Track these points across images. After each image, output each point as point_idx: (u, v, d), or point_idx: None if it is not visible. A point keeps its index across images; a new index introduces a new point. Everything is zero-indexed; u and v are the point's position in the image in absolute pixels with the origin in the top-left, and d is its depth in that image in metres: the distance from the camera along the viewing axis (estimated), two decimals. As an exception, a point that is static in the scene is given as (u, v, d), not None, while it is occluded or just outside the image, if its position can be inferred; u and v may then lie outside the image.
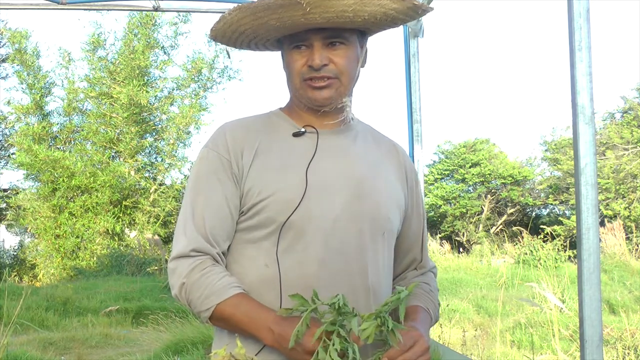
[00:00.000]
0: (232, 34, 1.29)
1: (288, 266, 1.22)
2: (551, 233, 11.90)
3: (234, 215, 1.26)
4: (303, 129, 1.31)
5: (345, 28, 1.25)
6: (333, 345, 1.05)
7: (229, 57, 14.69)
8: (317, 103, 1.27)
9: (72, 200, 14.17)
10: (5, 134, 16.42)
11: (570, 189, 15.76)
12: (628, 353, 4.90)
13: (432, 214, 18.57)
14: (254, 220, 1.24)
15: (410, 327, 1.19)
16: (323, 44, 1.24)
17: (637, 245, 11.54)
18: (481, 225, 18.02)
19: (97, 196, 13.84)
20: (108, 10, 8.92)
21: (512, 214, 18.29)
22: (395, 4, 1.21)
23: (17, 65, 14.61)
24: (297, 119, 1.33)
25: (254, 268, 1.25)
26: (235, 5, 1.25)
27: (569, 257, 11.26)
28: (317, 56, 1.23)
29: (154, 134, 15.57)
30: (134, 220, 14.66)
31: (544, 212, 18.97)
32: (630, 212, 14.44)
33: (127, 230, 14.82)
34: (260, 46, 1.35)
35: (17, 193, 15.24)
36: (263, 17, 1.21)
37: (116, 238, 14.23)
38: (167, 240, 15.17)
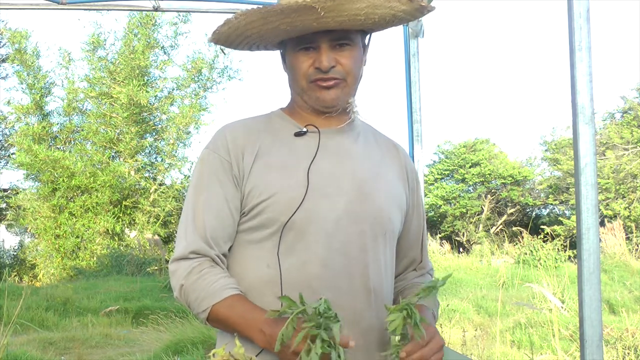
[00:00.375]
0: (236, 37, 1.28)
1: (289, 266, 1.22)
2: (551, 233, 11.91)
3: (235, 217, 1.26)
4: (305, 129, 1.30)
5: (352, 29, 1.25)
6: (315, 349, 1.06)
7: (224, 54, 14.68)
8: (325, 104, 1.27)
9: (72, 200, 14.17)
10: (5, 134, 16.42)
11: (570, 189, 15.76)
12: (628, 353, 4.90)
13: (432, 214, 18.56)
14: (256, 221, 1.24)
15: (428, 324, 1.19)
16: (330, 45, 1.24)
17: (637, 245, 11.54)
18: (481, 225, 18.02)
19: (97, 196, 13.85)
20: (108, 10, 8.92)
21: (512, 214, 18.29)
22: (404, 6, 1.21)
23: (17, 65, 14.62)
24: (299, 119, 1.33)
25: (255, 269, 1.25)
26: (240, 6, 1.24)
27: (569, 257, 11.25)
28: (325, 58, 1.23)
29: (154, 134, 15.58)
30: (134, 220, 14.66)
31: (544, 212, 18.97)
32: (630, 212, 14.44)
33: (127, 230, 14.82)
34: (260, 47, 1.34)
35: (17, 193, 15.24)
36: (274, 22, 1.19)
37: (116, 238, 14.24)
38: (167, 240, 15.17)
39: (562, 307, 6.22)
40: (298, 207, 1.22)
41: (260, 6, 1.19)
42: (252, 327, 1.16)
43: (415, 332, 1.11)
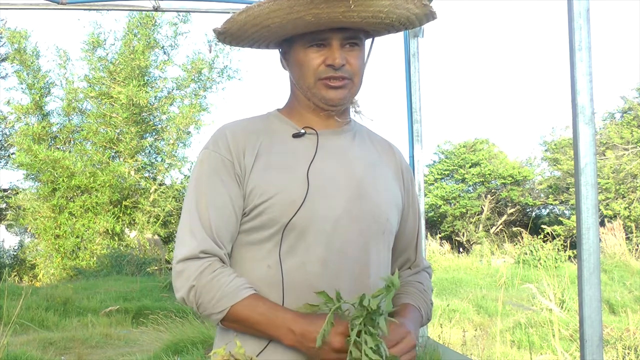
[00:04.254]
0: (251, 27, 1.26)
1: (290, 267, 1.23)
2: (551, 233, 11.90)
3: (238, 216, 1.25)
4: (303, 130, 1.31)
5: (361, 29, 1.26)
6: (366, 343, 1.06)
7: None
8: (332, 103, 1.28)
9: (72, 200, 14.17)
10: (5, 134, 16.42)
11: (570, 189, 15.76)
12: (628, 353, 4.90)
13: (432, 214, 18.56)
14: (257, 222, 1.24)
15: (399, 323, 1.19)
16: (341, 43, 1.25)
17: (637, 245, 11.54)
18: (481, 225, 18.01)
19: (97, 196, 13.85)
20: (108, 10, 8.93)
21: (512, 214, 18.29)
22: (418, 9, 1.24)
23: (17, 65, 14.62)
24: (297, 119, 1.33)
25: (256, 269, 1.25)
26: (240, 5, 1.23)
27: (569, 257, 11.26)
28: (337, 55, 1.23)
29: (154, 134, 15.57)
30: (134, 220, 14.66)
31: (544, 212, 18.96)
32: (630, 212, 14.43)
33: (127, 230, 14.81)
34: (262, 45, 1.34)
35: (17, 193, 15.24)
36: (300, 12, 1.18)
37: (116, 238, 14.23)
38: (167, 240, 15.17)
39: (560, 310, 6.22)
40: (299, 209, 1.22)
41: None
42: (279, 326, 1.16)
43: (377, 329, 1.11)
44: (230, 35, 1.30)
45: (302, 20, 1.20)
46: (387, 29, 1.31)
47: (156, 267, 12.57)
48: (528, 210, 18.78)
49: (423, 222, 4.38)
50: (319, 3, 1.15)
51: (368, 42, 1.35)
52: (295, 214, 1.22)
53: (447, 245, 14.56)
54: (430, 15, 1.28)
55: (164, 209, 14.69)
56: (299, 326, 1.13)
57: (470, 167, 18.21)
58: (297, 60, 1.28)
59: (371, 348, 1.06)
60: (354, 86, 1.28)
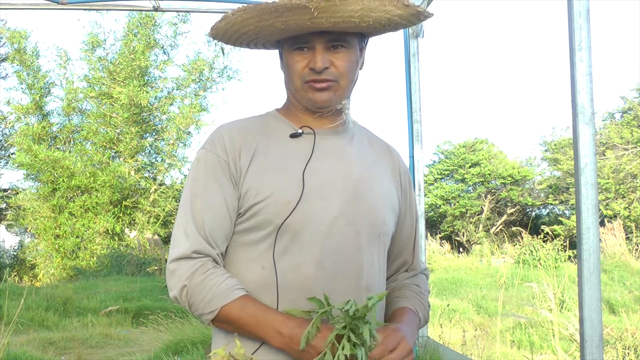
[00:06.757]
0: (233, 33, 1.28)
1: (285, 268, 1.22)
2: (551, 233, 11.91)
3: (232, 217, 1.25)
4: (300, 130, 1.31)
5: (348, 32, 1.25)
6: (342, 349, 1.06)
7: (223, 54, 14.69)
8: (317, 105, 1.27)
9: (72, 200, 14.17)
10: (5, 134, 16.42)
11: (570, 189, 15.76)
12: (628, 353, 4.90)
13: (432, 214, 18.56)
14: (251, 222, 1.24)
15: (395, 328, 1.19)
16: (325, 46, 1.24)
17: (637, 245, 11.54)
18: (481, 225, 18.02)
19: (97, 196, 13.85)
20: (108, 10, 8.94)
21: (512, 214, 18.29)
22: (400, 10, 1.21)
23: (17, 65, 14.62)
24: (295, 120, 1.33)
25: (250, 270, 1.24)
26: (239, 5, 1.24)
27: (569, 257, 11.27)
28: (319, 59, 1.23)
29: (154, 134, 15.57)
30: (134, 220, 14.66)
31: (544, 212, 18.97)
32: (630, 212, 14.43)
33: (127, 230, 14.81)
34: (259, 45, 1.35)
35: (17, 193, 15.24)
36: (268, 20, 1.20)
37: (116, 238, 14.23)
38: (167, 240, 15.16)
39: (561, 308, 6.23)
40: (293, 210, 1.22)
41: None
42: (267, 327, 1.16)
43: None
44: (220, 39, 1.32)
45: (272, 27, 1.21)
46: (376, 30, 1.28)
47: (156, 267, 12.56)
48: (528, 210, 18.78)
49: (423, 223, 4.37)
50: (283, 11, 1.16)
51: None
52: (290, 215, 1.21)
53: (447, 245, 14.56)
54: (420, 15, 1.25)
55: (164, 209, 14.69)
56: (287, 329, 1.14)
57: (470, 167, 18.22)
58: (285, 62, 1.30)
59: (345, 355, 1.05)
60: (340, 88, 1.27)
